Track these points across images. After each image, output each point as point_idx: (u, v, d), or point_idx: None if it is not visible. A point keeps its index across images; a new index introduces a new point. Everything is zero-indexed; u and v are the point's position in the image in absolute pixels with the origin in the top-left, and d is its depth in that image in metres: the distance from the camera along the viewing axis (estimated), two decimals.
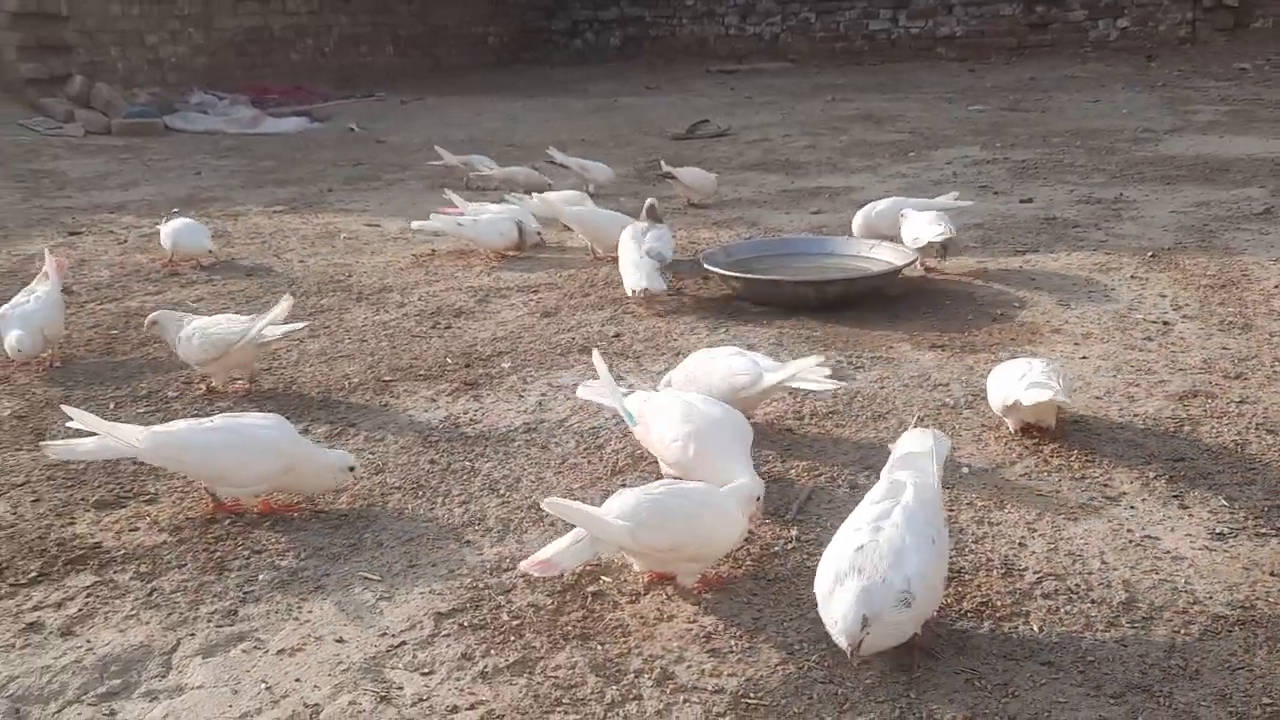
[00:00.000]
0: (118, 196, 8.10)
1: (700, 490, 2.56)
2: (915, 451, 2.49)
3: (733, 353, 3.45)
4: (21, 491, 3.16)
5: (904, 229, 5.12)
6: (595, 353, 3.23)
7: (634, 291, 4.65)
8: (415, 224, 5.95)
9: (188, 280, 5.56)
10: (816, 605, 2.38)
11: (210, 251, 5.76)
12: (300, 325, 4.10)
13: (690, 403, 2.98)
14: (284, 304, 3.88)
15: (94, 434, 2.91)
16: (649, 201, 5.28)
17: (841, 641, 2.05)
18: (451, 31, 18.43)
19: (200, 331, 3.77)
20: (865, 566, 2.09)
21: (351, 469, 2.98)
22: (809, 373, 3.23)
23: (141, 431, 2.91)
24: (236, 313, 4.39)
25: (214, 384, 3.89)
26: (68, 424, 3.02)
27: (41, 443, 3.13)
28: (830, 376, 3.26)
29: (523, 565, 2.45)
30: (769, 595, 2.51)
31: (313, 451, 2.97)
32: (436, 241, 6.12)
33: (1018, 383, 3.15)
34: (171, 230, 5.72)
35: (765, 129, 10.68)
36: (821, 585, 2.16)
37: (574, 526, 2.46)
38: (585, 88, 15.22)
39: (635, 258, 4.78)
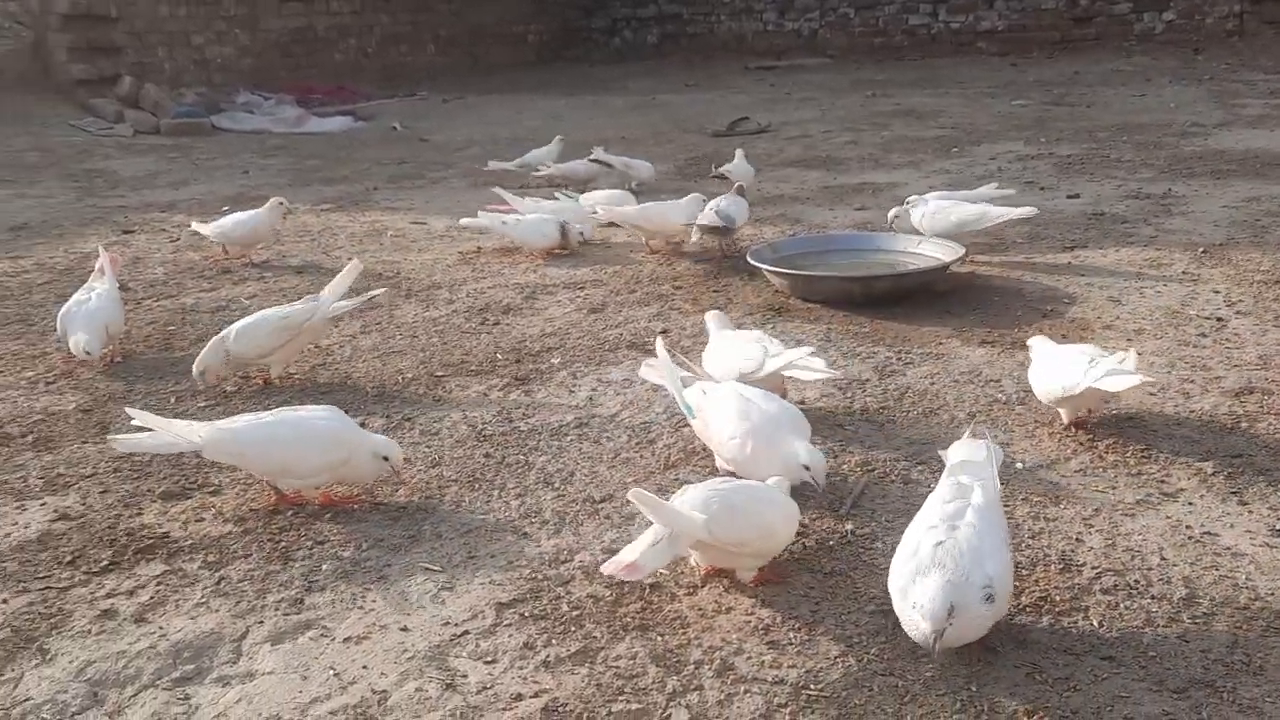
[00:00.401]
0: (168, 195, 8.25)
1: (760, 488, 2.59)
2: (972, 459, 2.50)
3: (753, 339, 3.54)
4: (90, 483, 3.24)
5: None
6: (659, 340, 3.28)
7: (695, 226, 5.43)
8: (463, 220, 6.04)
9: (240, 277, 5.65)
10: (873, 600, 2.41)
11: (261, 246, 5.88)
12: (377, 291, 4.16)
13: (748, 398, 3.00)
14: (352, 267, 3.97)
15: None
16: (738, 184, 5.77)
17: (924, 626, 2.04)
18: (491, 30, 18.54)
19: (264, 319, 3.85)
20: (947, 562, 2.10)
21: (386, 459, 2.95)
22: (804, 361, 3.31)
23: (203, 428, 2.98)
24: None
25: (274, 374, 3.96)
26: (131, 422, 3.10)
27: (108, 435, 3.22)
28: (831, 364, 3.46)
29: (606, 569, 2.44)
30: (825, 589, 2.52)
31: (365, 440, 3.01)
32: (482, 239, 6.18)
33: (1086, 371, 3.11)
34: (228, 225, 5.85)
35: (805, 125, 10.66)
36: (898, 579, 2.18)
37: (649, 523, 2.48)
38: (625, 85, 15.26)
39: (707, 210, 5.46)
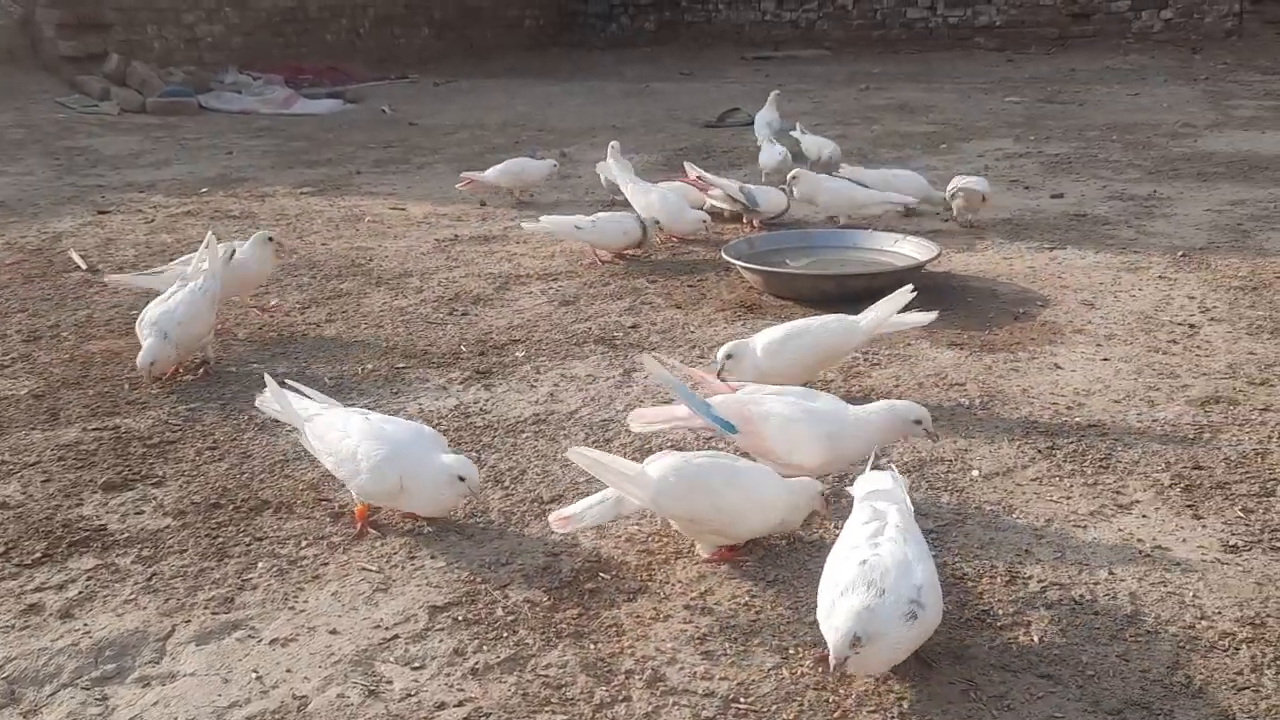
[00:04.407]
0: (149, 175, 8.17)
1: (743, 470, 2.53)
2: (883, 488, 2.45)
3: None
4: (33, 471, 3.19)
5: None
6: (649, 358, 2.94)
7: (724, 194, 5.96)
8: (527, 226, 5.48)
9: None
10: (812, 609, 2.35)
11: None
12: (234, 246, 4.31)
13: (791, 400, 2.88)
14: (209, 240, 4.07)
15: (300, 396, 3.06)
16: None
17: (830, 657, 2.00)
18: (487, 14, 18.40)
19: (198, 302, 3.84)
20: (874, 579, 2.04)
21: (462, 479, 2.67)
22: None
23: (316, 415, 2.89)
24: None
25: (210, 358, 4.01)
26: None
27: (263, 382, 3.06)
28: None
29: (550, 519, 2.60)
30: (767, 597, 2.47)
31: (430, 463, 2.73)
32: (459, 226, 6.11)
33: None
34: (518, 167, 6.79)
35: (796, 118, 10.55)
36: (823, 602, 2.11)
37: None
38: (620, 72, 15.15)
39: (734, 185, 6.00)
